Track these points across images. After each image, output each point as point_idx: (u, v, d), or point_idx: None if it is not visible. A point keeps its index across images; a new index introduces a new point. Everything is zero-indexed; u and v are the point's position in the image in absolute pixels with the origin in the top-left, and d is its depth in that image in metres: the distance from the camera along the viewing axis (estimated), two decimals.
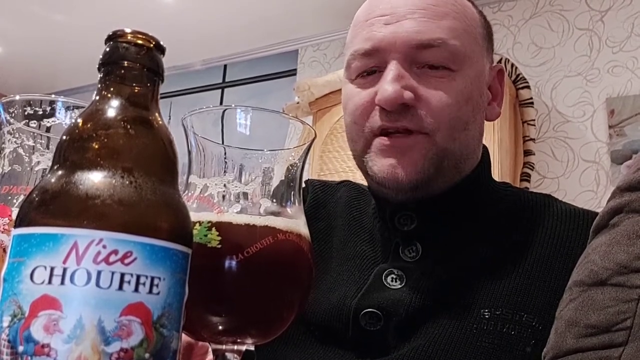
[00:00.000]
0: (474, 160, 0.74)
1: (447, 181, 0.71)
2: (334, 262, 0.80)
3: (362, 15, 0.74)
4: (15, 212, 0.49)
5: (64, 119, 0.55)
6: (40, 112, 0.54)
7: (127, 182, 0.36)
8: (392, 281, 0.72)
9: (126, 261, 0.34)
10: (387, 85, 0.66)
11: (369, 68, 0.71)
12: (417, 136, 0.67)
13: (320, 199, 0.89)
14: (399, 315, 0.68)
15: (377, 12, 0.71)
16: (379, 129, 0.69)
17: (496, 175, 2.20)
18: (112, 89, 0.39)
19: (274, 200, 0.49)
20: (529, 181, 2.52)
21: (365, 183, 0.85)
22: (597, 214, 0.57)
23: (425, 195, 0.71)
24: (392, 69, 0.67)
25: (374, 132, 0.69)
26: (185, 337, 0.50)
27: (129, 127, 0.38)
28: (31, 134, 0.54)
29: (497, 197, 0.77)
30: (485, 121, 0.78)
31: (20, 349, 0.32)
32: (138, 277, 0.34)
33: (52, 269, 0.33)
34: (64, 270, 0.33)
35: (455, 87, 0.68)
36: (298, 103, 2.88)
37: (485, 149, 0.79)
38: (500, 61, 2.38)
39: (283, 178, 0.50)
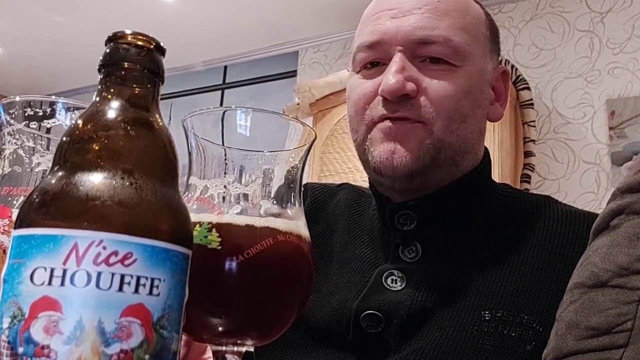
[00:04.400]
0: (472, 157, 0.74)
1: (444, 174, 0.72)
2: (334, 264, 0.79)
3: (370, 10, 0.76)
4: (15, 213, 0.49)
5: (64, 120, 0.55)
6: (41, 113, 0.54)
7: (128, 183, 0.36)
8: (392, 282, 0.72)
9: (126, 262, 0.34)
10: (391, 76, 0.69)
11: (372, 60, 0.73)
12: (415, 124, 0.69)
13: (319, 201, 0.89)
14: (400, 317, 0.68)
15: (385, 6, 0.74)
16: (380, 118, 0.71)
17: (496, 176, 2.20)
18: (112, 90, 0.39)
19: (274, 202, 0.49)
20: (529, 182, 2.52)
21: (365, 185, 0.85)
22: (596, 215, 0.57)
23: (422, 187, 0.71)
24: (397, 60, 0.70)
25: (374, 121, 0.72)
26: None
27: (129, 128, 0.38)
28: (31, 135, 0.54)
29: (497, 198, 0.77)
30: (487, 122, 0.79)
31: (20, 350, 0.32)
32: (138, 278, 0.34)
33: (52, 270, 0.33)
34: (64, 271, 0.33)
35: (456, 80, 0.70)
36: (298, 104, 2.88)
37: (486, 150, 0.80)
38: (500, 62, 2.38)
39: (283, 179, 0.50)
